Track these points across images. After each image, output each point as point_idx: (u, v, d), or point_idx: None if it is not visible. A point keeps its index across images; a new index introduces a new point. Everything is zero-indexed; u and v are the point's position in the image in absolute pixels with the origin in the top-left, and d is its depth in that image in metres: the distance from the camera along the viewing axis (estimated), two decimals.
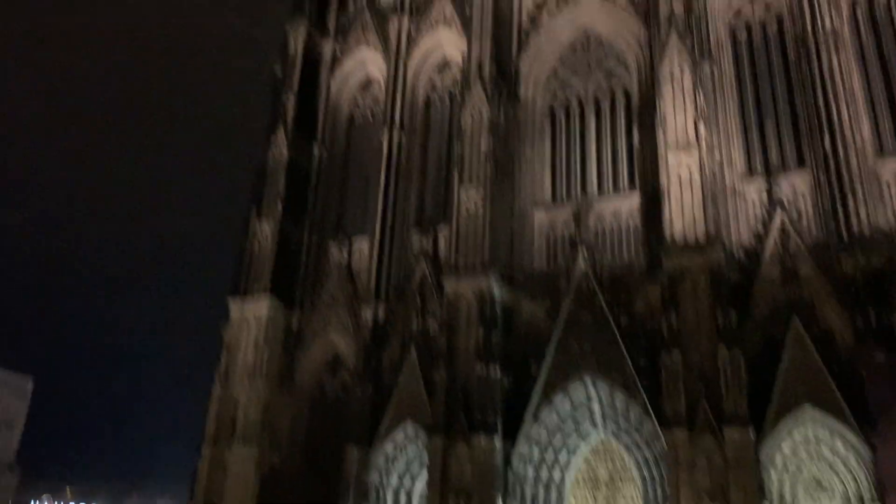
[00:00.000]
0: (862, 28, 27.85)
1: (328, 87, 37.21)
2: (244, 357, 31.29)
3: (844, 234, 24.31)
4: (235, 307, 32.27)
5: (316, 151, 35.85)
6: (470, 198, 29.18)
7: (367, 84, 37.47)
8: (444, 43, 35.43)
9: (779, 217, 25.53)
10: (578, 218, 28.22)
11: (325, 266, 33.78)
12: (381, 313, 30.60)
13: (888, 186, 24.86)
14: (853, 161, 24.81)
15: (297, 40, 37.10)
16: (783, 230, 25.35)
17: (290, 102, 35.71)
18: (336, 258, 33.38)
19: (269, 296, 31.95)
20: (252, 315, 31.90)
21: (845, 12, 27.83)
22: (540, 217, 30.26)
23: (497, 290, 27.58)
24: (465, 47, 33.06)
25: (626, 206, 28.91)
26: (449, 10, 35.38)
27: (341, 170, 36.18)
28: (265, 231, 33.27)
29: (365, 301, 31.12)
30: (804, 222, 25.70)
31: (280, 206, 33.58)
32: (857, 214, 24.33)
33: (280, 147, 34.76)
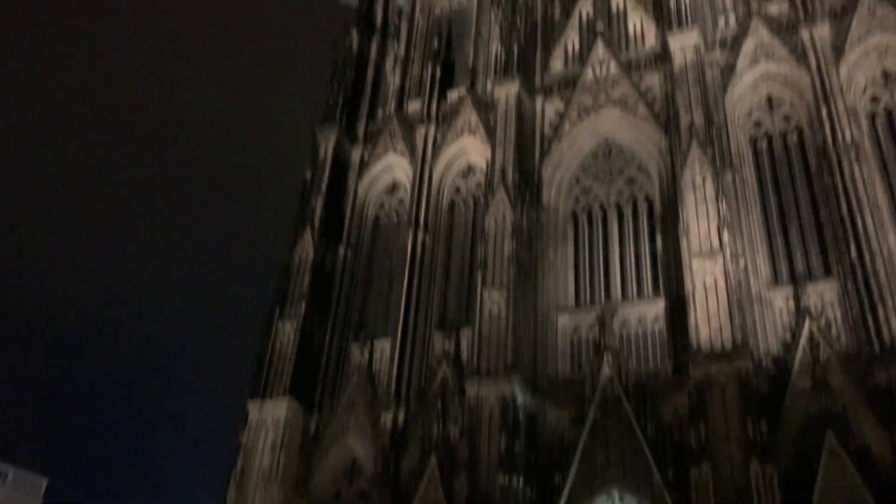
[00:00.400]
0: (882, 139, 28.30)
1: (355, 191, 38.16)
2: (260, 461, 30.63)
3: (876, 344, 23.84)
4: (254, 409, 31.90)
5: (341, 252, 36.34)
6: (493, 300, 29.17)
7: (393, 188, 38.41)
8: (469, 150, 36.45)
9: (807, 326, 25.10)
10: (603, 323, 27.96)
11: (346, 368, 33.52)
12: (400, 417, 30.05)
13: None
14: (881, 271, 24.64)
15: (327, 146, 38.39)
16: (812, 339, 24.85)
17: (318, 204, 36.58)
18: (357, 360, 33.14)
19: (289, 398, 31.59)
20: (270, 417, 31.46)
21: (864, 124, 28.40)
22: (564, 321, 30.05)
23: (520, 396, 27.07)
24: (489, 154, 34.01)
25: (651, 311, 28.68)
26: (474, 119, 36.60)
27: (365, 270, 36.53)
28: (287, 332, 33.31)
29: (385, 405, 30.64)
30: (833, 332, 25.24)
31: (303, 307, 33.72)
32: (888, 324, 23.93)
33: (306, 247, 35.33)
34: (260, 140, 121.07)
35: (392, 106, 40.16)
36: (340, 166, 38.44)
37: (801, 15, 30.84)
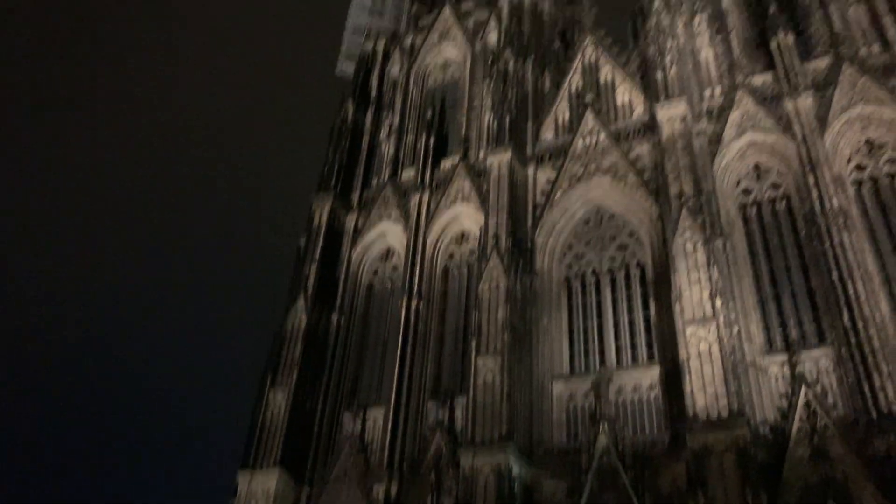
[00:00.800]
0: (869, 207, 28.73)
1: (349, 258, 38.34)
2: None
3: (873, 411, 23.66)
4: (244, 480, 31.15)
5: (334, 319, 36.22)
6: (487, 367, 28.93)
7: (387, 255, 38.61)
8: (463, 217, 36.83)
9: (803, 393, 24.90)
10: (598, 390, 27.74)
11: (338, 437, 32.96)
12: (393, 489, 29.39)
13: None
14: (875, 338, 24.64)
15: (321, 214, 38.83)
16: (809, 407, 24.61)
17: (312, 271, 36.67)
18: (349, 429, 32.62)
19: (279, 469, 30.92)
20: (260, 490, 30.69)
21: (851, 192, 28.87)
22: (559, 389, 29.78)
23: (516, 467, 26.56)
24: (482, 221, 34.39)
25: (646, 379, 28.49)
26: (467, 186, 37.11)
27: (359, 338, 36.34)
28: (279, 401, 32.86)
29: (377, 476, 30.00)
30: (830, 399, 25.04)
31: (295, 375, 33.39)
32: (885, 391, 23.79)
33: (299, 315, 35.22)
34: (256, 208, 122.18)
35: (386, 174, 40.78)
36: (335, 233, 38.73)
37: (785, 87, 31.72)
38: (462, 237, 37.06)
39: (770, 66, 33.21)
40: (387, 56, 47.39)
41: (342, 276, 37.71)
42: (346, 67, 50.00)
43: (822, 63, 32.22)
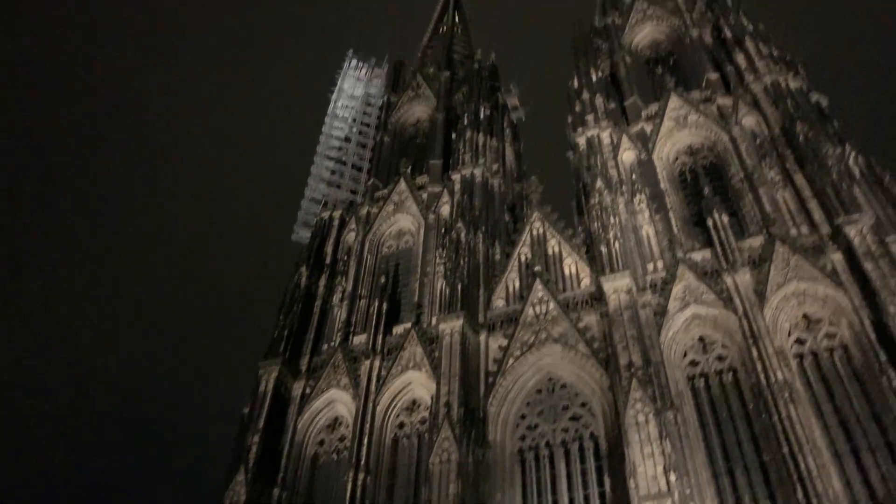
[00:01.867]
0: (812, 381, 29.26)
1: (294, 427, 36.74)
2: None
3: None
4: None
5: (276, 494, 34.05)
6: None
7: (334, 424, 37.23)
8: (414, 384, 36.18)
9: None
10: None
11: None
12: None
13: None
14: None
15: (268, 380, 37.56)
16: None
17: (254, 442, 34.86)
18: None
19: None
20: None
21: (794, 365, 29.46)
22: None
23: None
24: (434, 389, 33.78)
25: None
26: (419, 353, 36.75)
27: None
28: None
29: None
30: None
31: None
32: None
33: (238, 490, 33.01)
34: (203, 375, 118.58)
35: (337, 339, 40.29)
36: (281, 401, 37.40)
37: (724, 263, 33.19)
38: (413, 405, 36.21)
39: (708, 242, 34.91)
40: (343, 224, 48.59)
41: (286, 447, 35.92)
42: (303, 234, 50.97)
43: (756, 241, 34.06)
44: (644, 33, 52.72)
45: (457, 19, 73.51)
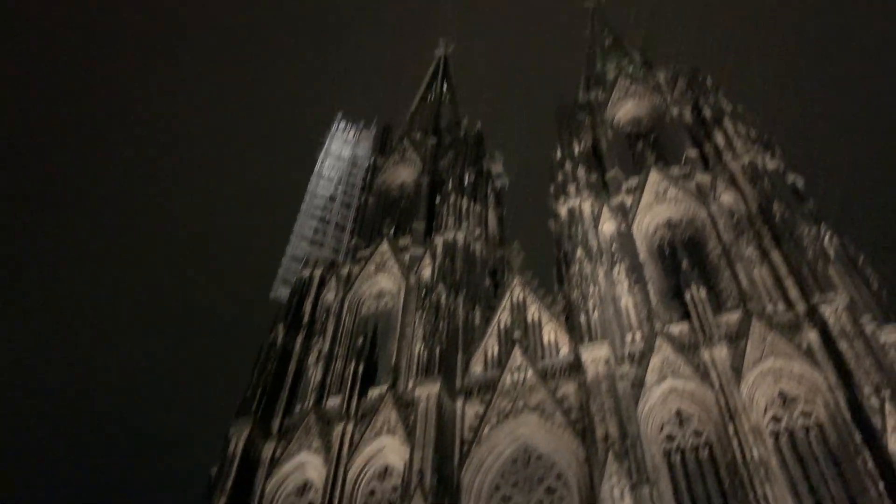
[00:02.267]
0: (788, 459, 29.08)
1: (262, 491, 35.69)
2: None
3: None
4: None
5: None
6: None
7: (303, 489, 36.15)
8: (388, 450, 35.41)
9: None
10: None
11: None
12: None
13: None
14: None
15: (238, 441, 36.56)
16: None
17: None
18: None
19: None
20: None
21: (770, 443, 29.29)
22: None
23: None
24: (407, 455, 33.09)
25: None
26: (394, 417, 36.12)
27: None
28: None
29: None
30: None
31: None
32: None
33: None
34: (175, 433, 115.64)
35: (311, 401, 39.55)
36: (250, 463, 36.37)
37: (701, 337, 33.34)
38: (385, 472, 35.36)
39: (686, 316, 35.14)
40: (323, 283, 48.39)
41: None
42: (282, 292, 50.58)
43: (733, 316, 34.32)
44: (626, 109, 54.24)
45: (445, 87, 75.17)
